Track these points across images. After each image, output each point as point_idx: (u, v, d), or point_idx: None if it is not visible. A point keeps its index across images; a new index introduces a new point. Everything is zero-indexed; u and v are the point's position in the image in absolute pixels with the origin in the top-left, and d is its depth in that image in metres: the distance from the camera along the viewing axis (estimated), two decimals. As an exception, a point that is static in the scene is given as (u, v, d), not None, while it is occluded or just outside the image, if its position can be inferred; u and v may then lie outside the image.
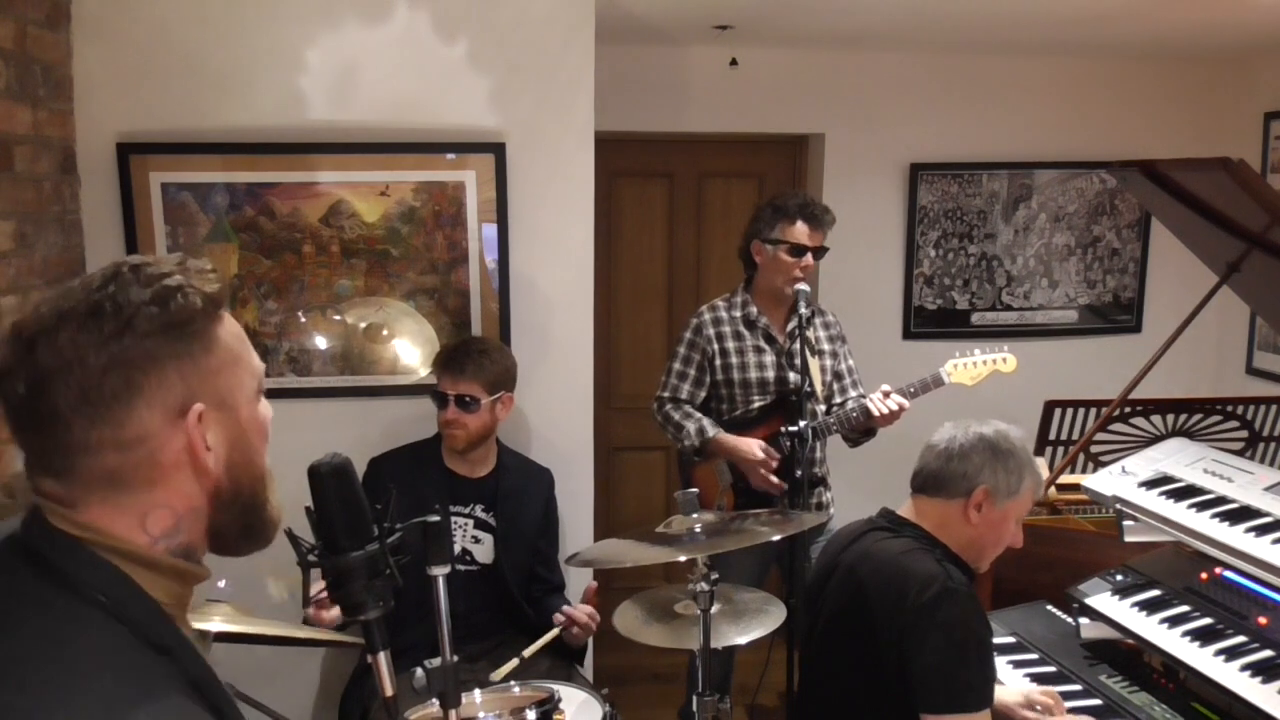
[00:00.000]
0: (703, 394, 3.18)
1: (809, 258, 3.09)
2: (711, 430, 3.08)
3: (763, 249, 3.14)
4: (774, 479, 3.02)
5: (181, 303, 1.02)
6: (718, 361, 3.15)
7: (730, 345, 3.15)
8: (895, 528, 2.14)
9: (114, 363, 0.98)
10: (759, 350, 3.15)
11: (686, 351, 3.19)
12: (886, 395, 2.99)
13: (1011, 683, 2.30)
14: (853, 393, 3.21)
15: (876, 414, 2.98)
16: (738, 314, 3.18)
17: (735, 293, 3.24)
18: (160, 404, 1.00)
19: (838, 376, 3.24)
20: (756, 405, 3.13)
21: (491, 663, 2.66)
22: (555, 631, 2.57)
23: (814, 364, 3.13)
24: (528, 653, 2.44)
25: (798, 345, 3.03)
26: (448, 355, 2.77)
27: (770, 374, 3.13)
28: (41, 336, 0.98)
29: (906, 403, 3.01)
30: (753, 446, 3.03)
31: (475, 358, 2.73)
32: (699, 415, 3.12)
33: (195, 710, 0.96)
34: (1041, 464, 2.80)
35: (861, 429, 3.11)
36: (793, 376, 3.07)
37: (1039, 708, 2.15)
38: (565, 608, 2.67)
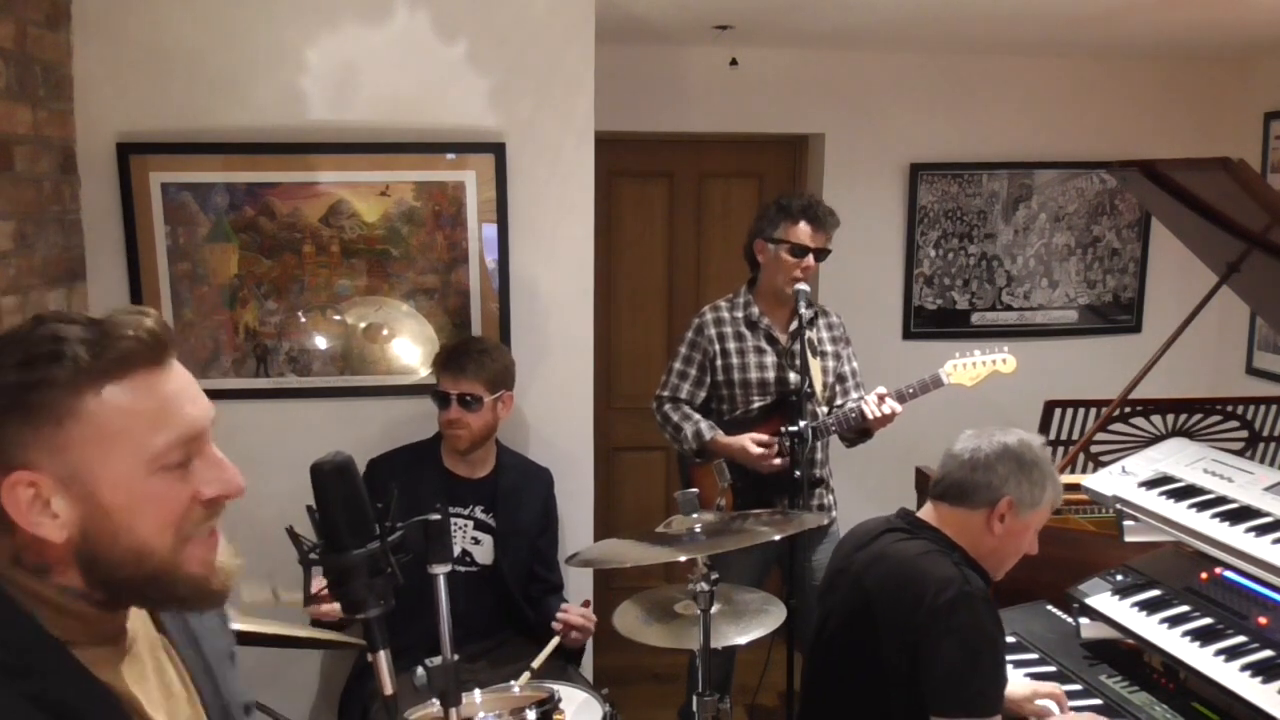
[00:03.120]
0: (703, 394, 3.18)
1: (810, 258, 3.09)
2: (709, 432, 3.08)
3: (765, 248, 3.14)
4: (778, 462, 3.01)
5: (43, 368, 0.99)
6: (719, 362, 3.15)
7: (731, 346, 3.15)
8: (913, 529, 2.13)
9: None
10: (760, 351, 3.15)
11: (687, 351, 3.19)
12: (882, 399, 3.00)
13: (1012, 682, 2.29)
14: (854, 395, 3.21)
15: (870, 416, 2.98)
16: (739, 314, 3.18)
17: (738, 293, 3.24)
18: None
19: (840, 379, 3.24)
20: (756, 406, 3.13)
21: (491, 663, 2.66)
22: (556, 641, 2.56)
23: (815, 365, 3.13)
24: (536, 664, 2.43)
25: (799, 346, 3.03)
26: (448, 355, 2.77)
27: (771, 375, 3.13)
28: None
29: (900, 407, 3.01)
30: (744, 442, 3.03)
31: (475, 357, 2.73)
32: (697, 417, 3.12)
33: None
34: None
35: (857, 430, 3.11)
36: (793, 377, 3.07)
37: (1044, 701, 2.15)
38: (559, 614, 2.67)
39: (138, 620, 1.14)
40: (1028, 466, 2.08)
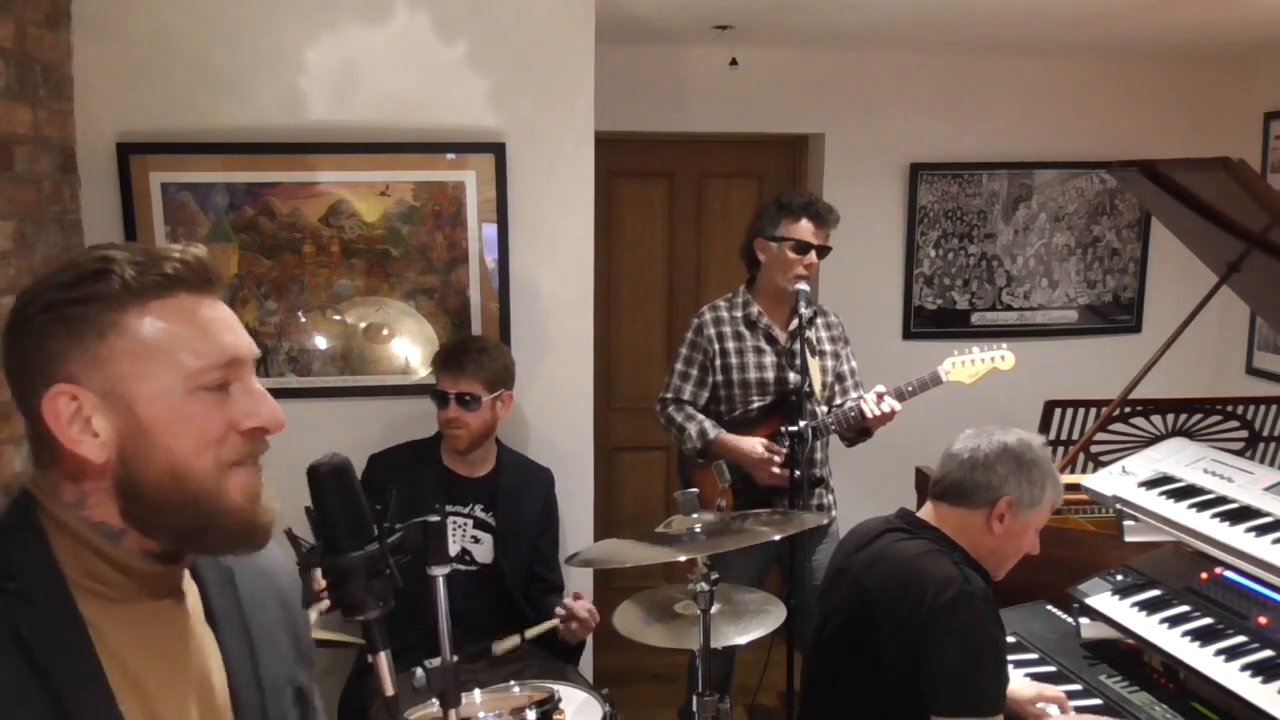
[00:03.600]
0: (705, 394, 3.18)
1: (813, 255, 3.09)
2: (713, 432, 3.08)
3: (766, 246, 3.14)
4: (779, 472, 3.01)
5: (89, 285, 1.02)
6: (718, 362, 3.15)
7: (730, 345, 3.15)
8: (913, 529, 2.13)
9: (18, 333, 1.03)
10: (759, 351, 3.15)
11: (688, 352, 3.19)
12: (881, 397, 3.00)
13: (1015, 683, 2.29)
14: (853, 394, 3.20)
15: (870, 415, 2.98)
16: (739, 314, 3.18)
17: (737, 293, 3.24)
18: (39, 377, 1.02)
19: (839, 378, 3.24)
20: (756, 405, 3.13)
21: (491, 663, 2.66)
22: (554, 621, 2.57)
23: (814, 364, 3.13)
24: (531, 633, 2.46)
25: (798, 345, 3.03)
26: (446, 354, 2.77)
27: (770, 374, 3.13)
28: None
29: (899, 405, 3.01)
30: (755, 445, 3.03)
31: (474, 356, 2.73)
32: (701, 417, 3.12)
33: None
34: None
35: (857, 429, 3.11)
36: (793, 377, 3.07)
37: (1046, 705, 2.15)
38: (566, 600, 2.67)
39: (192, 601, 1.13)
40: (1027, 466, 2.07)
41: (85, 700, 1.00)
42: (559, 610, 2.63)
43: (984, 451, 2.09)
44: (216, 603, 1.17)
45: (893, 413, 3.00)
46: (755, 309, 3.17)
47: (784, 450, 2.99)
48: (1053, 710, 2.14)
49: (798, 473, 2.92)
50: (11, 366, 1.05)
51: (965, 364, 3.10)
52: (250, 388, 1.11)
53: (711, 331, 3.16)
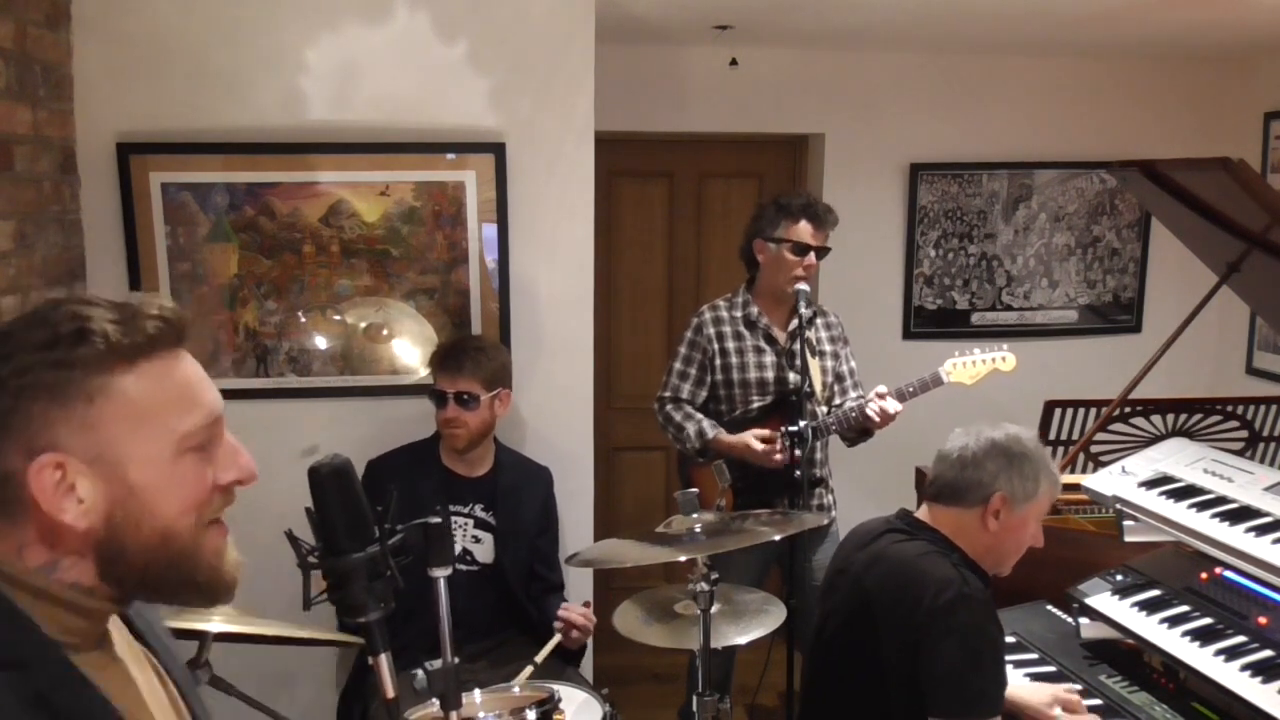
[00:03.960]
0: (704, 394, 3.18)
1: (812, 256, 3.09)
2: (711, 431, 3.08)
3: (765, 247, 3.14)
4: (781, 457, 3.00)
5: (69, 348, 0.98)
6: (717, 361, 3.15)
7: (730, 345, 3.15)
8: (912, 531, 2.13)
9: None
10: (759, 350, 3.15)
11: (687, 351, 3.19)
12: (882, 397, 2.99)
13: (1027, 687, 2.29)
14: (853, 394, 3.21)
15: (871, 415, 2.98)
16: (738, 314, 3.18)
17: (736, 293, 3.24)
18: (19, 443, 0.98)
19: (839, 378, 3.24)
20: (756, 405, 3.13)
21: (492, 663, 2.66)
22: (557, 639, 2.57)
23: (814, 365, 3.13)
24: (539, 657, 2.46)
25: (798, 345, 3.03)
26: (443, 354, 2.77)
27: (770, 374, 3.13)
28: None
29: (899, 406, 3.01)
30: (747, 439, 3.03)
31: (472, 354, 2.73)
32: (699, 416, 3.12)
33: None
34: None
35: (858, 429, 3.11)
36: (792, 377, 3.07)
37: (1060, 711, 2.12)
38: (561, 611, 2.67)
39: (116, 632, 1.12)
40: (1017, 460, 2.06)
41: None
42: (557, 625, 2.64)
43: (973, 449, 2.08)
44: (138, 623, 1.17)
45: (894, 414, 3.00)
46: (755, 309, 3.17)
47: (775, 436, 3.00)
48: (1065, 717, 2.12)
49: (798, 473, 2.92)
50: None
51: (966, 365, 3.10)
52: (227, 443, 1.10)
53: (711, 331, 3.16)
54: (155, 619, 1.23)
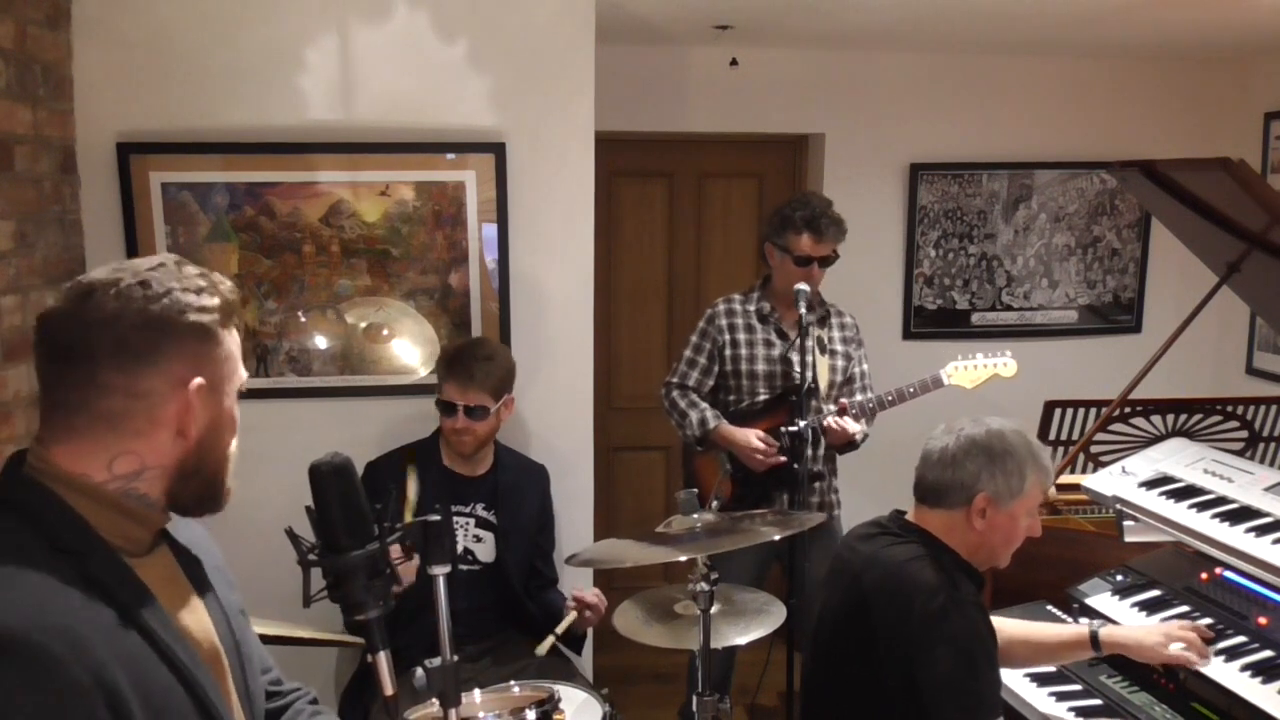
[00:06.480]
0: (710, 382, 3.23)
1: (814, 267, 3.12)
2: (713, 421, 3.12)
3: (773, 252, 3.20)
4: (770, 462, 3.05)
5: (207, 299, 1.25)
6: (727, 352, 3.19)
7: (741, 337, 3.20)
8: (902, 533, 2.09)
9: (147, 325, 1.19)
10: (769, 344, 3.20)
11: (698, 340, 3.25)
12: (843, 412, 3.03)
13: (1012, 681, 2.30)
14: (859, 397, 3.22)
15: (831, 425, 3.03)
16: (752, 308, 3.24)
17: (752, 289, 3.30)
18: (172, 369, 1.21)
19: (849, 380, 3.26)
20: (762, 398, 3.15)
21: (494, 661, 2.66)
22: (572, 616, 2.64)
23: (823, 362, 3.16)
24: (559, 629, 2.59)
25: (803, 344, 3.04)
26: (451, 361, 2.73)
27: (778, 367, 3.16)
28: (99, 289, 1.20)
29: (858, 427, 3.06)
30: (749, 437, 3.07)
31: (481, 364, 2.69)
32: (704, 405, 3.16)
33: (61, 590, 1.11)
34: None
35: (841, 442, 3.12)
36: (797, 372, 3.08)
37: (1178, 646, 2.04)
38: (575, 592, 2.69)
39: (163, 554, 1.31)
40: (999, 458, 1.99)
41: (150, 615, 1.18)
42: (570, 604, 2.67)
43: (952, 450, 2.02)
44: (182, 552, 1.35)
45: (852, 434, 3.04)
46: (768, 305, 3.23)
47: (777, 446, 3.03)
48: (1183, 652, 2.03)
49: (796, 466, 2.94)
50: (133, 346, 1.19)
51: (967, 369, 3.11)
52: None
53: (723, 321, 3.21)
54: (207, 554, 1.40)
